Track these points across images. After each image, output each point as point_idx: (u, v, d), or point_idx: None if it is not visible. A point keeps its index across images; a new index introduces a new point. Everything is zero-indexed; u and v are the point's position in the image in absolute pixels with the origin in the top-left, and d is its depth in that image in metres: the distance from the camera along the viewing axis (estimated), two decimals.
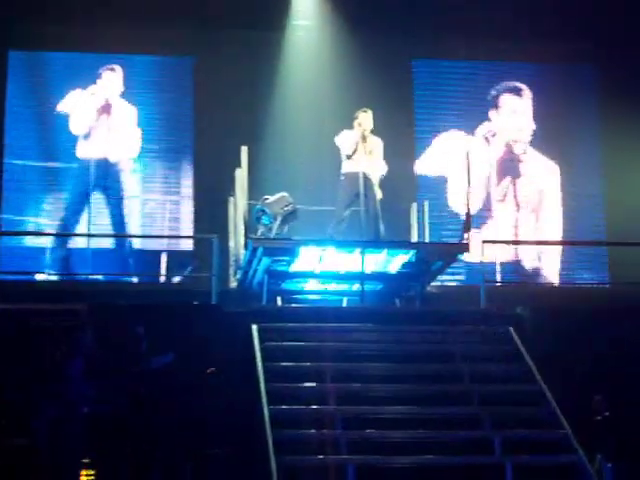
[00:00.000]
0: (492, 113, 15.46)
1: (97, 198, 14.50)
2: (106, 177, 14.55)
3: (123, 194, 14.56)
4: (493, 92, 15.50)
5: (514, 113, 15.53)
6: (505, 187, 15.27)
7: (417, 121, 15.36)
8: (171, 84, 14.95)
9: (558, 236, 15.19)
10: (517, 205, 15.25)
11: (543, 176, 15.38)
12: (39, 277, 13.88)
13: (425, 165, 15.18)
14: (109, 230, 14.50)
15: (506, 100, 15.53)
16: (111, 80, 14.77)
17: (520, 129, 15.49)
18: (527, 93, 15.56)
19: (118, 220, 14.47)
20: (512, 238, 14.99)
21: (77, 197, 14.45)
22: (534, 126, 15.48)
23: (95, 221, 14.45)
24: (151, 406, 8.75)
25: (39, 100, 14.56)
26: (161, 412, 8.78)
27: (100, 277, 14.08)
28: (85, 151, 14.55)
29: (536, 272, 15.03)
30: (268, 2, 14.36)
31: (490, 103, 15.48)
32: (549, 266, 15.04)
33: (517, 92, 15.56)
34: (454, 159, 14.73)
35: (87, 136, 14.60)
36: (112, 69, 14.77)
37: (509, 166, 15.38)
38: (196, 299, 10.89)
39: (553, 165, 15.40)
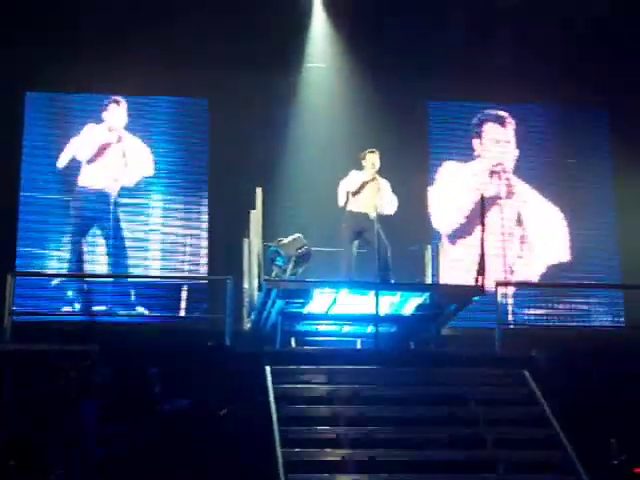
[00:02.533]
0: (475, 142, 15.51)
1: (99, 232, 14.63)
2: (109, 210, 14.64)
3: (122, 227, 14.63)
4: (475, 121, 15.57)
5: (497, 143, 15.57)
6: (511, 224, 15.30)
7: (432, 162, 15.39)
8: (187, 125, 15.05)
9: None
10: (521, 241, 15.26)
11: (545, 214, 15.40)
12: (55, 315, 13.93)
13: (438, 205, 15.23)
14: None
15: (489, 129, 15.58)
16: (116, 112, 14.88)
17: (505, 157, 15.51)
18: (509, 121, 15.62)
19: (117, 251, 14.54)
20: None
21: (85, 231, 14.57)
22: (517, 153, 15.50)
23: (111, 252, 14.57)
24: (163, 448, 8.73)
25: (56, 138, 14.70)
26: (173, 454, 8.75)
27: (117, 313, 14.15)
28: (92, 182, 14.67)
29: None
30: (283, 44, 14.44)
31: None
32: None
33: (500, 121, 15.61)
34: (463, 195, 14.82)
35: (94, 167, 14.72)
36: (117, 101, 14.90)
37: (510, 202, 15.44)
38: (210, 340, 10.88)
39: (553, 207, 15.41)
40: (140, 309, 14.22)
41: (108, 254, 14.56)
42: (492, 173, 15.39)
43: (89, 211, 14.65)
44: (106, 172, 14.77)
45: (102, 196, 14.68)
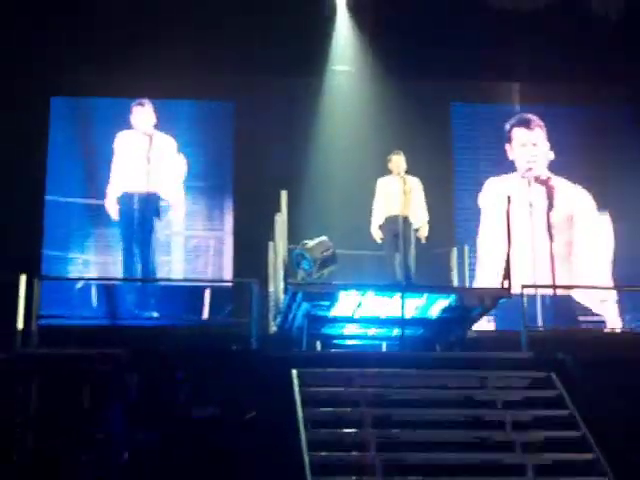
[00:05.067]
0: (507, 147, 15.47)
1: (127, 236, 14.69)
2: (145, 211, 14.69)
3: (155, 228, 14.67)
4: (507, 126, 15.52)
5: (524, 146, 15.51)
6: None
7: (455, 164, 15.35)
8: (212, 128, 15.08)
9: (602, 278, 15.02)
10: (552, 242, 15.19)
11: (578, 207, 15.33)
12: (80, 319, 13.97)
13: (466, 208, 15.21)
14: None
15: (517, 133, 15.54)
16: (142, 114, 14.94)
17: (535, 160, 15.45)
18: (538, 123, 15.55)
19: (147, 253, 14.59)
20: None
21: (127, 232, 14.63)
22: (551, 156, 15.42)
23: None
24: (189, 452, 8.73)
25: (81, 142, 14.76)
26: (199, 457, 8.75)
27: (141, 316, 14.18)
28: (127, 186, 14.75)
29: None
30: (307, 48, 14.44)
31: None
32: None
33: (527, 124, 15.55)
34: (495, 203, 14.74)
35: (129, 172, 14.80)
36: (141, 104, 14.95)
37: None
38: (236, 343, 10.88)
39: (588, 197, 15.33)
40: (164, 313, 14.22)
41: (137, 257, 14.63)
42: (530, 179, 15.35)
43: (118, 214, 14.69)
44: (136, 176, 14.83)
45: (131, 199, 14.74)
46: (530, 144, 15.50)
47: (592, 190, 15.30)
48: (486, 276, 14.15)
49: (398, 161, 11.28)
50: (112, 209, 14.64)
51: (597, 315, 14.79)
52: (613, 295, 14.86)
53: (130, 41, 14.03)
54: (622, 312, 14.80)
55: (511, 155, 15.44)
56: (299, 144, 14.47)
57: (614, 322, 14.78)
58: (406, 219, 11.15)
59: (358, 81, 15.06)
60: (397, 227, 11.04)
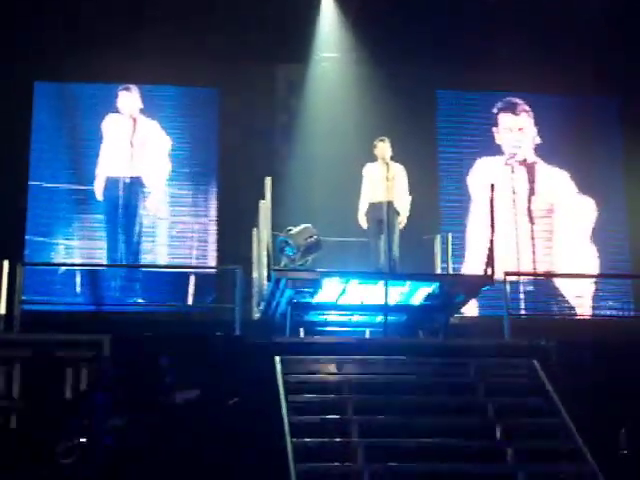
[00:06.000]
0: (494, 130, 15.50)
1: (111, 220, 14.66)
2: (129, 196, 14.65)
3: (139, 213, 14.63)
4: (494, 110, 15.53)
5: (510, 131, 15.54)
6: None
7: (440, 151, 15.37)
8: (197, 114, 15.06)
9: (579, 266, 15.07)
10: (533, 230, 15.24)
11: (558, 194, 15.37)
12: (63, 305, 13.95)
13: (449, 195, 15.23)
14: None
15: (503, 118, 15.57)
16: (128, 99, 14.89)
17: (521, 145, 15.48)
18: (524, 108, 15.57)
19: (130, 239, 14.56)
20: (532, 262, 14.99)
21: (111, 217, 14.58)
22: (537, 140, 15.45)
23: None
24: (173, 439, 8.74)
25: (65, 127, 14.71)
26: (182, 444, 8.77)
27: (125, 302, 14.16)
28: (112, 170, 14.71)
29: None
30: (292, 34, 14.43)
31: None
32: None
33: (513, 109, 15.57)
34: (479, 189, 14.79)
35: (114, 156, 14.77)
36: (127, 88, 14.89)
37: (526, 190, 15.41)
38: (219, 330, 10.88)
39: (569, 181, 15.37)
40: (148, 299, 14.22)
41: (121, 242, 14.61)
42: (514, 164, 15.38)
43: (103, 198, 14.65)
44: (121, 160, 14.79)
45: (115, 184, 14.69)
46: (517, 129, 15.54)
47: (575, 177, 15.35)
48: (474, 260, 14.15)
49: (383, 148, 11.33)
50: (100, 191, 14.61)
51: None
52: (591, 287, 14.95)
53: (115, 26, 14.00)
54: (599, 300, 14.90)
55: (498, 139, 15.48)
56: (284, 130, 14.48)
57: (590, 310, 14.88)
58: (390, 205, 11.15)
59: (344, 67, 15.06)
60: (381, 213, 11.07)
